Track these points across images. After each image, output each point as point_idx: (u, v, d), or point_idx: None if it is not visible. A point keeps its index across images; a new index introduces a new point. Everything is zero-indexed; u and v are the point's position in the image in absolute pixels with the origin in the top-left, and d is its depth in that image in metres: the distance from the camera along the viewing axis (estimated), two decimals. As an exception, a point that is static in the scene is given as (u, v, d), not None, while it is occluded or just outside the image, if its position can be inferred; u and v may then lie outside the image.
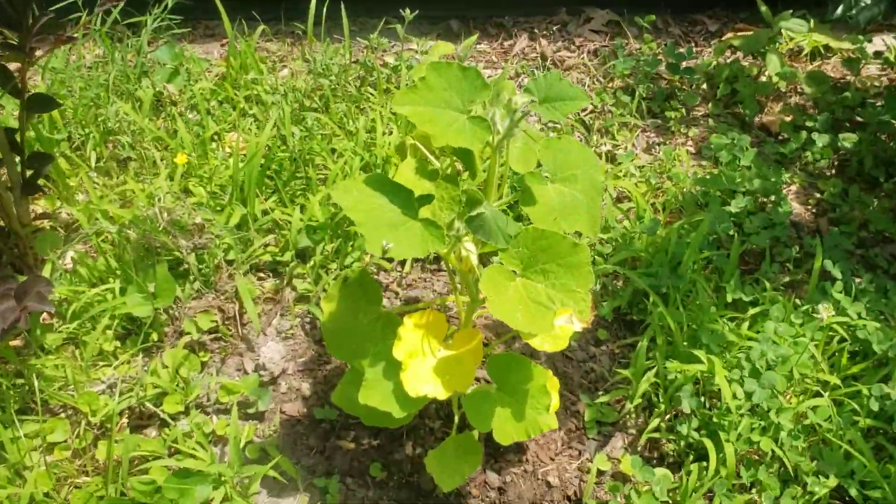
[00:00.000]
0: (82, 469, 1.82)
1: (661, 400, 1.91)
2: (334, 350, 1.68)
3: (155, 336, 2.04)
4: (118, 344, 2.03)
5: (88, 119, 2.52)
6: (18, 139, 1.96)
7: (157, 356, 2.01)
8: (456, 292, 1.72)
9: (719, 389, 1.89)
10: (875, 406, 1.84)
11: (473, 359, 1.55)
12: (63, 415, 1.91)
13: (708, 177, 2.41)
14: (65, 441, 1.85)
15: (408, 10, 2.78)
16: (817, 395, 1.90)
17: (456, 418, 1.77)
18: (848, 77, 2.93)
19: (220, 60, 2.96)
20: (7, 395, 1.85)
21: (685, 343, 1.97)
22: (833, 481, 1.75)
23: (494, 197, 1.52)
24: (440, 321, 1.58)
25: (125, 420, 1.92)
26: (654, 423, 1.89)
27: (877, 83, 2.89)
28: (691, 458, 1.85)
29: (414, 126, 2.38)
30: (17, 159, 1.99)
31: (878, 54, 2.95)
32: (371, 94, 2.76)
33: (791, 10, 2.76)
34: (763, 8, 2.71)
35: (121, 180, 2.41)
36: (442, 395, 1.50)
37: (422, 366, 1.52)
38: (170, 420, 1.89)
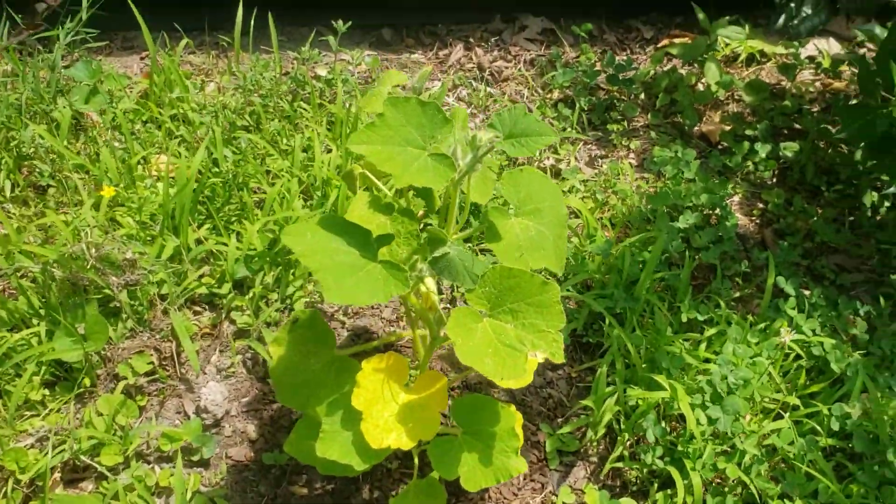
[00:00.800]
0: (11, 533, 1.68)
1: (624, 427, 1.86)
2: (285, 398, 1.58)
3: (87, 381, 1.89)
4: (46, 392, 1.88)
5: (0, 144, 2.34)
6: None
7: (91, 403, 1.87)
8: (414, 329, 1.63)
9: (680, 415, 1.86)
10: (835, 425, 1.83)
11: (438, 404, 1.47)
12: (-14, 473, 1.76)
13: (655, 193, 2.38)
14: (-11, 503, 1.70)
15: (340, 22, 2.68)
16: (777, 416, 1.88)
17: (416, 460, 1.69)
18: (783, 83, 2.95)
19: (140, 76, 2.80)
20: (-78, 458, 1.69)
21: (644, 366, 1.93)
22: (799, 504, 1.74)
23: (454, 231, 1.44)
24: (401, 364, 1.49)
25: (58, 475, 1.78)
26: (618, 451, 1.85)
27: (812, 89, 2.91)
28: (655, 486, 1.81)
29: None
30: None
31: (811, 59, 2.98)
32: (304, 109, 2.64)
33: (728, 17, 2.76)
34: (701, 16, 2.70)
35: (39, 210, 2.24)
36: (406, 444, 1.42)
37: (383, 414, 1.44)
38: (108, 473, 1.75)
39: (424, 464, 1.79)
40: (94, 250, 1.93)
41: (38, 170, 2.32)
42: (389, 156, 1.28)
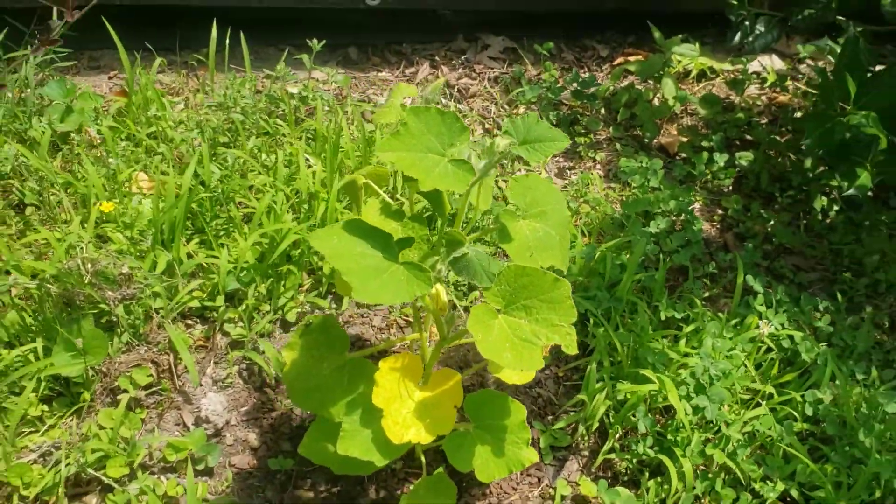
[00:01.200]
0: (18, 550, 1.68)
1: (614, 420, 1.96)
2: (299, 401, 1.63)
3: (86, 396, 1.90)
4: (45, 408, 1.88)
5: (-25, 165, 2.33)
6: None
7: (89, 418, 1.88)
8: (420, 331, 1.70)
9: (665, 407, 1.97)
10: (809, 411, 1.96)
11: (452, 399, 1.55)
12: (-11, 491, 1.76)
13: (626, 200, 2.50)
14: (-6, 520, 1.70)
15: (315, 41, 2.74)
16: (756, 405, 2.01)
17: (422, 458, 1.75)
18: (731, 97, 3.13)
19: (112, 95, 2.81)
20: (-72, 476, 1.68)
21: (629, 362, 2.03)
22: (780, 486, 1.86)
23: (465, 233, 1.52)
24: (415, 363, 1.56)
25: (61, 489, 1.78)
26: (610, 443, 1.94)
27: (759, 102, 3.09)
28: (646, 475, 1.91)
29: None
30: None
31: (756, 74, 3.16)
32: (280, 125, 2.69)
33: (680, 36, 2.91)
34: (657, 34, 2.84)
35: (19, 230, 2.24)
36: (426, 439, 1.49)
37: (402, 411, 1.50)
38: (114, 484, 1.77)
39: (428, 462, 1.85)
40: (89, 265, 1.95)
41: (15, 188, 2.31)
42: (413, 162, 1.35)
